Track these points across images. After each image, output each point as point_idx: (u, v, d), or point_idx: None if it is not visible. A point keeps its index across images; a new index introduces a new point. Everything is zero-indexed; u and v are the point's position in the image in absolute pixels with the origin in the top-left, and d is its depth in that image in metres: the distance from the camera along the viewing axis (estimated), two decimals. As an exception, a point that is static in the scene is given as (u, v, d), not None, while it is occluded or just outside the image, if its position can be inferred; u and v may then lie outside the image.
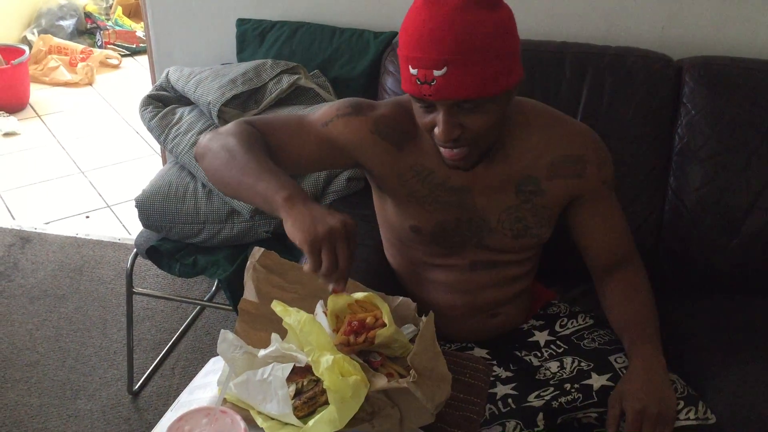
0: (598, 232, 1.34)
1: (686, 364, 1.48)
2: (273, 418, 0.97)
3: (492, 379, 1.30)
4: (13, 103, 3.87)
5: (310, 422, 0.93)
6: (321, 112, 1.26)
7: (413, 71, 1.07)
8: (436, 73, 1.04)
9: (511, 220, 1.27)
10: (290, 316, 1.01)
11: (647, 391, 1.18)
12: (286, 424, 0.95)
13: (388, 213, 1.34)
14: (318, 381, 0.97)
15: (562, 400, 1.26)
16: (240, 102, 1.82)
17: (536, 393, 1.28)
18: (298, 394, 0.97)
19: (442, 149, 1.17)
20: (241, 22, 2.09)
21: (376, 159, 1.26)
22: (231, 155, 1.10)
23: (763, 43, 1.81)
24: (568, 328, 1.40)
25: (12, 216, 2.97)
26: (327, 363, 0.94)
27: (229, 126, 1.17)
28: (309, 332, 0.99)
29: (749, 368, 1.42)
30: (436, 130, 1.12)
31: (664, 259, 1.69)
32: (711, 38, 1.83)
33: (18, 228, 2.84)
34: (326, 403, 0.95)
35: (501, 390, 1.29)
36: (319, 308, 1.12)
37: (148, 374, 2.15)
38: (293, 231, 0.97)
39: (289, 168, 1.23)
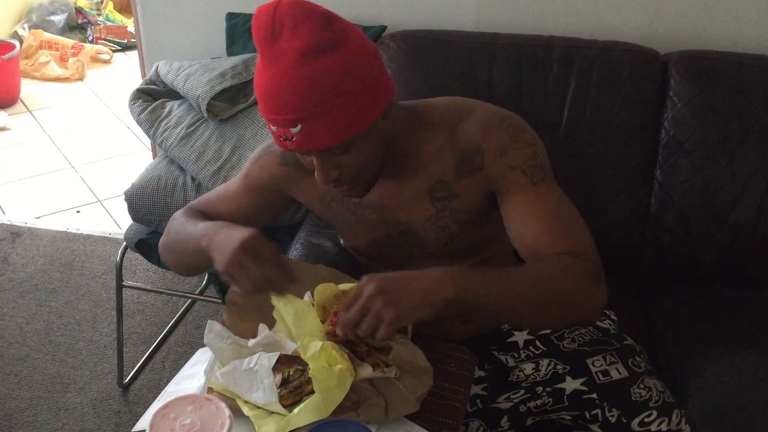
0: (522, 226, 1.11)
1: (669, 354, 1.50)
2: (259, 407, 0.98)
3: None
4: (4, 98, 3.86)
5: (296, 410, 0.94)
6: (243, 168, 1.31)
7: (273, 128, 1.04)
8: (293, 130, 1.00)
9: (435, 229, 1.20)
10: (286, 301, 1.02)
11: (397, 277, 0.98)
12: (272, 412, 0.96)
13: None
14: (304, 370, 0.98)
15: (531, 404, 1.25)
16: (229, 96, 1.83)
17: (506, 395, 1.27)
18: (284, 383, 0.98)
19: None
20: (231, 17, 2.09)
21: (296, 189, 1.26)
22: (167, 242, 1.26)
23: (748, 37, 1.83)
24: None
25: (2, 211, 2.97)
26: (315, 348, 0.96)
27: (170, 220, 1.27)
28: (303, 318, 1.00)
29: (732, 359, 1.43)
30: (316, 174, 1.09)
31: (650, 251, 1.71)
32: (697, 32, 1.85)
33: (8, 222, 2.84)
34: (312, 392, 0.96)
35: (472, 390, 1.26)
36: (306, 299, 1.13)
37: (139, 367, 2.16)
38: (217, 267, 1.05)
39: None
